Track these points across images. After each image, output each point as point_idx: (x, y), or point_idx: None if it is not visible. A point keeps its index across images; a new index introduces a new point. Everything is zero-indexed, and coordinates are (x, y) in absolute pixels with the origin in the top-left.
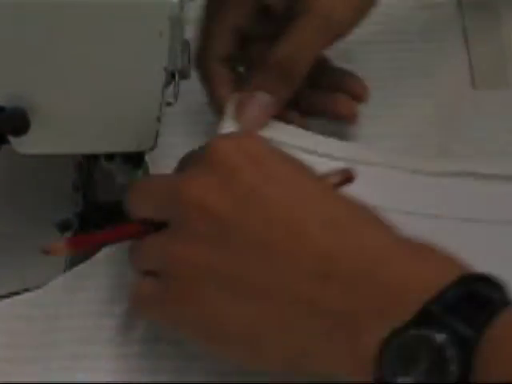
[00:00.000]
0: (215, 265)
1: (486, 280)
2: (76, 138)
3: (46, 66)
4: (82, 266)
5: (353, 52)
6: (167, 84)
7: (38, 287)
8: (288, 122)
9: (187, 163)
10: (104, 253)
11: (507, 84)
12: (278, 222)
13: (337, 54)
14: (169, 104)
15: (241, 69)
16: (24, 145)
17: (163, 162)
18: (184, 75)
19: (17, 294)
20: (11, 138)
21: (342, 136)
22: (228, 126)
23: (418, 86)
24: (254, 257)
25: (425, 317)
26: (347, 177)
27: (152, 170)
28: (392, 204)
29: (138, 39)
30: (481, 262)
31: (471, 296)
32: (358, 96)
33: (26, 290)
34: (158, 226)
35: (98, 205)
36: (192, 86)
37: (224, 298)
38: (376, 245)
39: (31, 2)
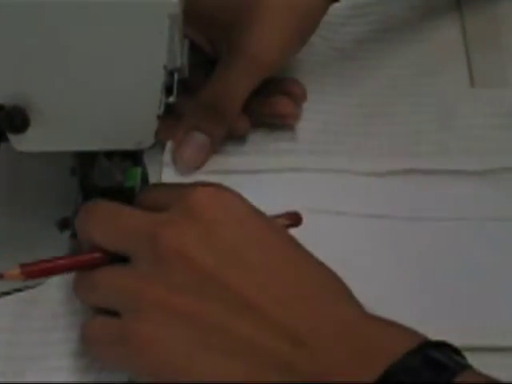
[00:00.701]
0: (190, 315)
1: (443, 346)
2: (75, 136)
3: (44, 64)
4: None
5: (352, 51)
6: (166, 82)
7: (38, 285)
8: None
9: (158, 199)
10: None
11: (505, 83)
12: (257, 285)
13: (336, 53)
14: (168, 102)
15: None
16: (23, 142)
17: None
18: (183, 74)
19: (19, 290)
20: (10, 136)
21: (339, 134)
22: (168, 174)
23: (418, 84)
24: (230, 314)
25: (388, 379)
26: (295, 220)
27: (149, 169)
28: (338, 206)
29: (138, 38)
30: (433, 260)
31: (430, 361)
32: (297, 97)
33: (28, 287)
34: (111, 259)
35: (97, 188)
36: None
37: (194, 349)
38: (347, 314)
39: (30, 1)
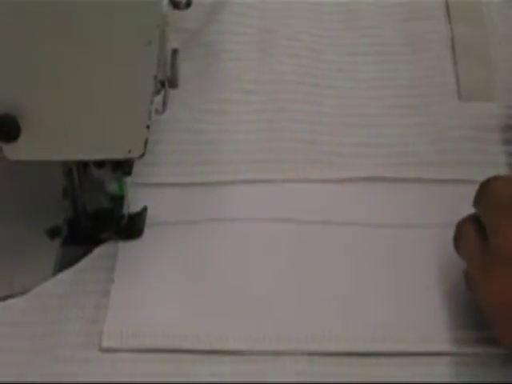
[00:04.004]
0: None
1: None
2: (66, 145)
3: (35, 73)
4: (66, 273)
5: (341, 63)
6: (156, 92)
7: (25, 292)
8: None
9: None
10: (89, 260)
11: (493, 97)
12: None
13: (325, 65)
14: (158, 112)
15: None
16: (15, 151)
17: (151, 169)
18: (173, 84)
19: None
20: (1, 145)
21: (329, 146)
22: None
23: (405, 96)
24: None
25: None
26: None
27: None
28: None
29: (127, 48)
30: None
31: None
32: None
33: (21, 294)
34: None
35: (88, 212)
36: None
37: None
38: None
39: (21, 11)
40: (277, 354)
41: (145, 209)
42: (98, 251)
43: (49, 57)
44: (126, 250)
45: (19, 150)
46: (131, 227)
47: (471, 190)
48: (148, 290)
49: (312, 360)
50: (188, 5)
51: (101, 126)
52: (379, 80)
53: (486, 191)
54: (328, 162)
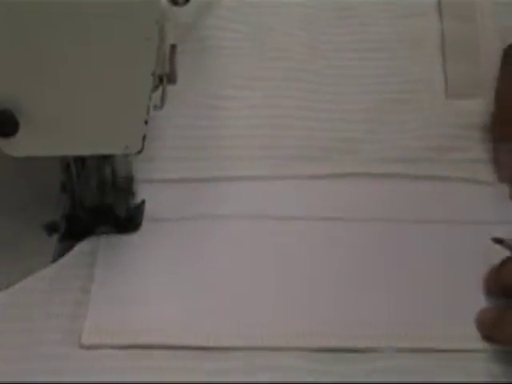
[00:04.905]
0: None
1: None
2: (64, 141)
3: (33, 68)
4: (47, 269)
5: (332, 59)
6: (155, 88)
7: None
8: None
9: None
10: (70, 256)
11: (480, 94)
12: None
13: (317, 61)
14: (156, 108)
15: None
16: (13, 147)
17: (149, 165)
18: (171, 79)
19: None
20: (0, 140)
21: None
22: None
23: (393, 92)
24: None
25: None
26: None
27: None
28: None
29: (126, 43)
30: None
31: None
32: None
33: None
34: None
35: (86, 206)
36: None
37: None
38: None
39: (20, 7)
40: (257, 349)
41: (143, 202)
42: (80, 248)
43: (47, 52)
44: (108, 246)
45: (17, 146)
46: (129, 221)
47: (457, 187)
48: (130, 287)
49: (302, 356)
50: (186, 0)
51: (99, 121)
52: (368, 76)
53: None
54: (319, 158)
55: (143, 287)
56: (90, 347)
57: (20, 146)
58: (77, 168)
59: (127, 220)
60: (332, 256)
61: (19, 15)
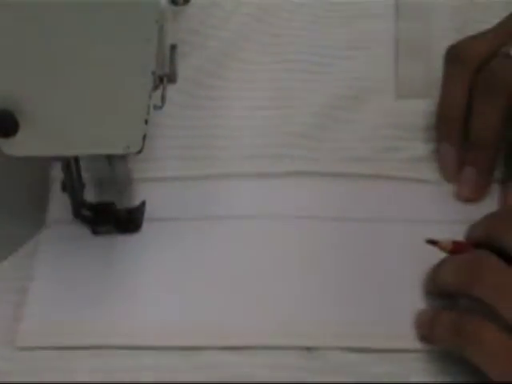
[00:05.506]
0: None
1: None
2: (64, 141)
3: (34, 68)
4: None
5: (287, 54)
6: (155, 88)
7: None
8: None
9: None
10: (11, 257)
11: (430, 95)
12: None
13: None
14: (156, 108)
15: None
16: (13, 147)
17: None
18: (171, 79)
19: None
20: (0, 140)
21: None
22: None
23: (343, 93)
24: None
25: None
26: None
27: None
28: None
29: (126, 43)
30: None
31: None
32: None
33: None
34: None
35: (86, 205)
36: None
37: None
38: None
39: (20, 6)
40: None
41: (143, 203)
42: (22, 249)
43: (47, 53)
44: (48, 246)
45: (17, 146)
46: (130, 221)
47: (401, 187)
48: (67, 288)
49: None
50: (186, 1)
51: (99, 121)
52: (320, 74)
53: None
54: (272, 156)
55: (82, 287)
56: (27, 349)
57: (20, 145)
58: (77, 167)
59: (128, 220)
60: (276, 255)
61: (20, 16)
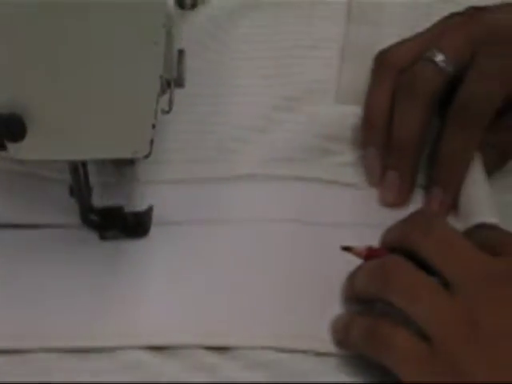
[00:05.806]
0: None
1: None
2: (71, 145)
3: (41, 72)
4: None
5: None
6: (162, 92)
7: None
8: None
9: (490, 239)
10: None
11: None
12: None
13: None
14: (164, 112)
15: None
16: (21, 151)
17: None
18: (179, 84)
19: None
20: (8, 144)
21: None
22: None
23: (291, 92)
24: None
25: None
26: None
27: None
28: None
29: (134, 48)
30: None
31: None
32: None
33: None
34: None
35: (94, 210)
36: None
37: None
38: None
39: (28, 10)
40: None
41: (151, 207)
42: None
43: (54, 57)
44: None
45: (25, 150)
46: (137, 225)
47: (325, 189)
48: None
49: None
50: (194, 5)
51: (106, 125)
52: (266, 76)
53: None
54: (207, 160)
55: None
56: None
57: (28, 150)
58: (84, 171)
59: (135, 225)
60: (214, 258)
61: (26, 20)
